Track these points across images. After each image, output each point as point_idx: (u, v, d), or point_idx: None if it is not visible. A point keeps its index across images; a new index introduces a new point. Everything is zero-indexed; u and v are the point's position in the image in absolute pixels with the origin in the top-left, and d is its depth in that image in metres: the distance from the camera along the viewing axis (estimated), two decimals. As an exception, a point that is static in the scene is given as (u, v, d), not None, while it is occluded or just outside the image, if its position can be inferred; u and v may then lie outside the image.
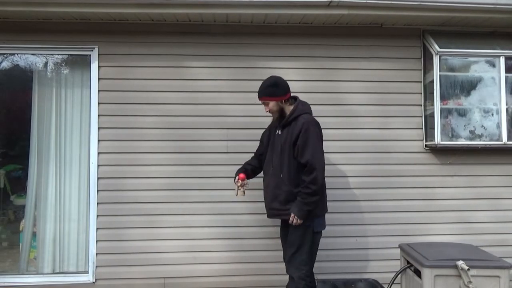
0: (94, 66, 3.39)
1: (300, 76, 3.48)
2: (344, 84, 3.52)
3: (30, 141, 3.47)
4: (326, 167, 2.69)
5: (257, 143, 3.05)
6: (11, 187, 4.05)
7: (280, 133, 2.76)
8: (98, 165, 3.35)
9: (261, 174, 2.94)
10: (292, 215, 2.60)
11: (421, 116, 3.55)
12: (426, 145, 3.53)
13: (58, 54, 3.52)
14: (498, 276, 2.45)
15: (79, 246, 3.45)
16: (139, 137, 3.39)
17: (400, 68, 3.56)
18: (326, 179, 2.71)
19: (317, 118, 2.73)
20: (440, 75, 3.44)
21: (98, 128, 3.37)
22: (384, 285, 3.07)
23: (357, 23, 3.51)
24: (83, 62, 3.49)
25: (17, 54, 3.55)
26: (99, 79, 3.38)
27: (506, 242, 3.54)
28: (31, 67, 3.56)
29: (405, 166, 3.52)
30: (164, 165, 3.39)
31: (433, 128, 3.42)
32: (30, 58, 3.56)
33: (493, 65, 3.50)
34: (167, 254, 3.36)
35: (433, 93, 3.43)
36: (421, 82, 3.57)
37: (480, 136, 3.48)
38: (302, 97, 2.87)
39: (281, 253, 2.94)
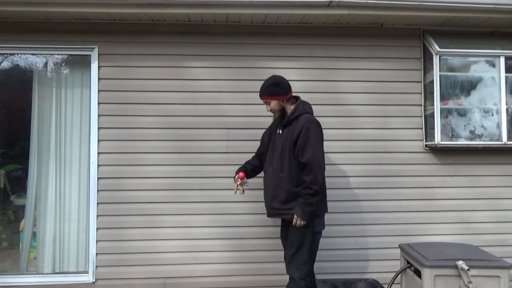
0: (94, 66, 3.39)
1: (300, 76, 3.47)
2: (344, 84, 3.52)
3: (30, 141, 3.47)
4: (326, 167, 2.69)
5: (257, 143, 3.05)
6: (11, 187, 4.05)
7: (281, 132, 2.76)
8: (98, 165, 3.35)
9: (261, 174, 2.94)
10: (296, 216, 2.59)
11: (421, 116, 3.56)
12: (426, 145, 3.53)
13: (58, 54, 3.52)
14: (498, 276, 2.45)
15: (79, 246, 3.45)
16: (139, 137, 3.39)
17: (400, 68, 3.56)
18: (326, 179, 2.71)
19: (317, 118, 2.73)
20: (440, 75, 3.44)
21: (98, 128, 3.37)
22: (384, 285, 3.07)
23: (357, 23, 3.51)
24: (83, 62, 3.49)
25: (17, 54, 3.55)
26: (99, 79, 3.38)
27: (506, 242, 3.54)
28: (31, 67, 3.56)
29: (405, 166, 3.53)
30: (164, 165, 3.39)
31: (433, 128, 3.42)
32: (30, 58, 3.56)
33: (493, 65, 3.50)
34: (167, 254, 3.36)
35: (433, 93, 3.43)
36: (421, 82, 3.57)
37: (480, 136, 3.48)
38: (302, 97, 2.86)
39: (281, 253, 2.94)
